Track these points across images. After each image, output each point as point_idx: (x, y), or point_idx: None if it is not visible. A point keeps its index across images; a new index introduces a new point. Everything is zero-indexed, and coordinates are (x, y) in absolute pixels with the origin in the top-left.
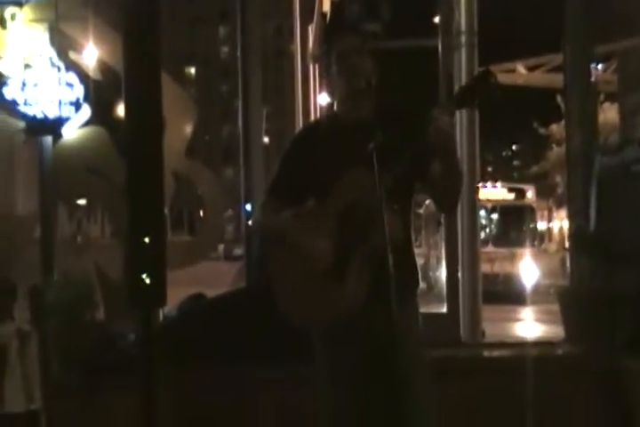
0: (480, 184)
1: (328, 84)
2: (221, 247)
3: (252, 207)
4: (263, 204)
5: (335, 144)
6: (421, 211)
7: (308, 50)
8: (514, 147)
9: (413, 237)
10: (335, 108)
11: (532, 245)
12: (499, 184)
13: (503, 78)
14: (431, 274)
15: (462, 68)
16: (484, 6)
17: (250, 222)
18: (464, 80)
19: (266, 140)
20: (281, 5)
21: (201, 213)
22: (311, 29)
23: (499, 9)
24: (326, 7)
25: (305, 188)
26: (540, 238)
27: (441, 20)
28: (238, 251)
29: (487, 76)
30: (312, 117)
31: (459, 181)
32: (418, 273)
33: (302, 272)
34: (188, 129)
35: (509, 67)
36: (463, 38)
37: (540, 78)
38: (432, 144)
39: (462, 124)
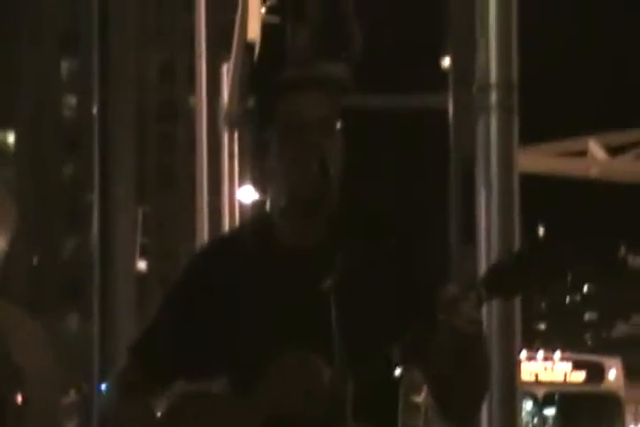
0: (524, 355)
1: (258, 171)
2: None
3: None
4: (120, 376)
5: (266, 285)
6: (419, 399)
7: (220, 106)
8: (585, 287)
9: None
10: (268, 213)
11: None
12: (557, 355)
13: (568, 165)
14: None
15: (492, 147)
16: (533, 44)
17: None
18: (495, 177)
19: (141, 265)
20: (174, 28)
21: (18, 400)
22: (226, 70)
23: (559, 49)
24: (253, 34)
25: (201, 357)
26: None
27: (452, 64)
28: None
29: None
30: (226, 228)
31: (482, 389)
32: None
33: None
34: (0, 245)
35: (577, 146)
36: (493, 96)
37: (628, 167)
38: (444, 339)
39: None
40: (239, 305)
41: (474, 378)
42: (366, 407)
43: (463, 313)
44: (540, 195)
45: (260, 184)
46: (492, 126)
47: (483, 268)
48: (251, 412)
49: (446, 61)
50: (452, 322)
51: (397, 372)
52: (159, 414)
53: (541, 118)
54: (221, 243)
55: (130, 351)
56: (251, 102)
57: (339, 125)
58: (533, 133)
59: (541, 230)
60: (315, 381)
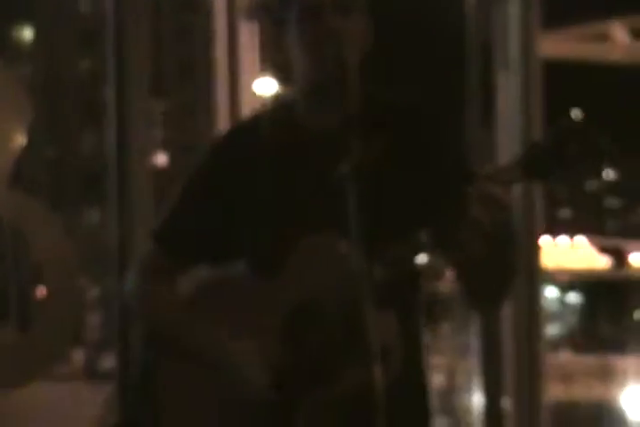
0: (548, 240)
1: (278, 59)
2: (79, 355)
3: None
4: (145, 261)
5: (287, 170)
6: (441, 288)
7: None
8: (608, 173)
9: (429, 337)
10: (287, 101)
11: None
12: (581, 240)
13: (589, 51)
14: (456, 400)
15: (511, 32)
16: None
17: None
18: (515, 62)
19: (161, 159)
20: None
21: (40, 292)
22: None
23: None
24: None
25: (225, 242)
26: None
27: None
28: (108, 362)
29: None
30: (245, 117)
31: (511, 273)
32: (429, 401)
33: (214, 400)
34: (17, 139)
35: (599, 30)
36: None
37: None
38: (471, 225)
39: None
40: (259, 188)
41: (502, 262)
42: (389, 293)
43: (493, 193)
44: (562, 80)
45: (279, 72)
46: (510, 9)
47: (502, 153)
48: (277, 296)
49: None
50: (480, 202)
51: (420, 259)
52: (185, 296)
53: (561, 1)
54: (240, 127)
55: (153, 238)
56: None
57: (360, 10)
58: (554, 17)
59: (577, 114)
60: (340, 263)
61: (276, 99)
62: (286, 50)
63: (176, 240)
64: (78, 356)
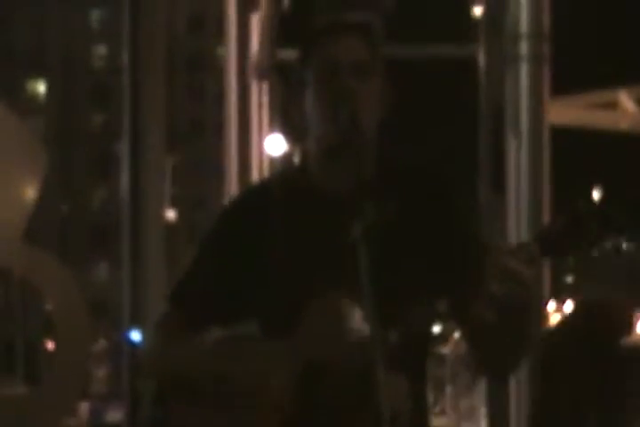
0: (552, 304)
1: (290, 119)
2: (85, 407)
3: (143, 335)
4: (161, 324)
5: (300, 232)
6: (446, 351)
7: (249, 58)
8: (622, 245)
9: (431, 399)
10: (299, 162)
11: None
12: None
13: (598, 118)
14: None
15: (522, 97)
16: None
17: (140, 360)
18: (525, 128)
19: (170, 215)
20: None
21: (49, 346)
22: (256, 21)
23: (588, 3)
24: None
25: (237, 304)
26: None
27: (484, 15)
28: (115, 415)
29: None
30: (256, 178)
31: (525, 344)
32: None
33: None
34: (30, 194)
35: (607, 98)
36: (524, 46)
37: None
38: (492, 297)
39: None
40: (272, 250)
41: (516, 334)
42: (400, 355)
43: (513, 269)
44: (570, 146)
45: (292, 132)
46: (521, 77)
47: (512, 217)
48: (288, 356)
49: (477, 11)
50: (500, 277)
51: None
52: (200, 353)
53: (572, 69)
54: (252, 191)
55: (169, 301)
56: (298, 53)
57: (378, 74)
58: (563, 85)
59: (595, 191)
60: (352, 326)
61: (288, 160)
62: (302, 110)
63: (190, 303)
64: (84, 408)
